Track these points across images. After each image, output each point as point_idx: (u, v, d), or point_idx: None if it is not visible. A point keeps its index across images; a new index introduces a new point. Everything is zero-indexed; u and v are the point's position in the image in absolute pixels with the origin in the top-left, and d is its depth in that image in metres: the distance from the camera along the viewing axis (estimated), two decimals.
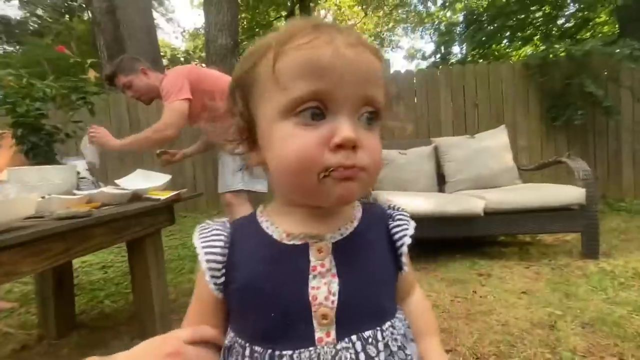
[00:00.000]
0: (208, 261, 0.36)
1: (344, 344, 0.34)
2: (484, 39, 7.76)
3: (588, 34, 7.62)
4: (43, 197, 1.13)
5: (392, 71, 4.25)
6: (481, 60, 9.09)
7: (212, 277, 0.36)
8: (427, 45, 17.87)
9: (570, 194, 2.01)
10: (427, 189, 2.58)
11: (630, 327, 1.23)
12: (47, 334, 1.44)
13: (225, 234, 0.38)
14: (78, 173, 1.43)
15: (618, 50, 3.42)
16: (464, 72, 4.08)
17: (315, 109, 0.31)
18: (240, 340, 0.36)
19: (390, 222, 0.41)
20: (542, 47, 3.93)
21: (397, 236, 0.40)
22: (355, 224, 0.39)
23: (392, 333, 0.37)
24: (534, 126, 3.97)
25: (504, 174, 2.54)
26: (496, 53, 8.68)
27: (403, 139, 3.31)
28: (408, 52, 12.82)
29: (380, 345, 0.35)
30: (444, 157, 2.68)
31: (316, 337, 0.34)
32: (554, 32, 7.58)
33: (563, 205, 2.02)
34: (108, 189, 1.39)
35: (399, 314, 0.40)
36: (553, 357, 1.10)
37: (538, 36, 7.82)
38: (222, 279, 0.36)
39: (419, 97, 4.14)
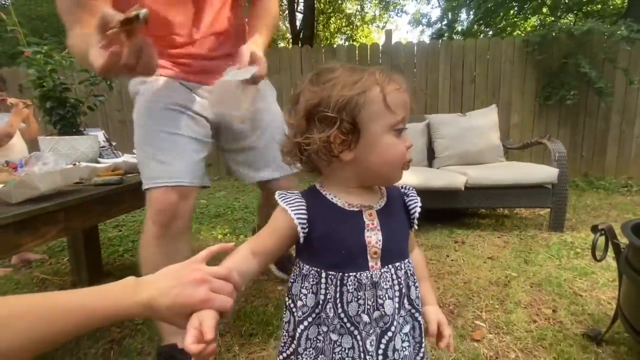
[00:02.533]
0: (298, 218, 0.53)
1: (385, 269, 0.55)
2: (492, 6, 7.53)
3: (599, 6, 7.41)
4: (74, 164, 1.31)
5: (393, 42, 4.25)
6: (487, 29, 8.88)
7: (302, 229, 0.53)
8: (433, 10, 17.16)
9: (544, 173, 2.21)
10: (417, 164, 2.76)
11: (570, 288, 1.48)
12: (79, 280, 1.68)
13: (303, 200, 0.55)
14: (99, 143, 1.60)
15: (619, 32, 3.44)
16: (465, 46, 4.10)
17: (403, 128, 0.54)
18: (316, 269, 0.55)
19: (405, 198, 0.62)
20: (549, 19, 3.93)
21: (410, 207, 0.61)
22: (385, 198, 0.60)
23: (408, 265, 0.59)
24: (527, 104, 4.07)
25: (489, 152, 2.71)
26: (504, 22, 8.46)
27: None
28: (414, 17, 12.34)
29: (403, 272, 0.57)
30: (435, 133, 2.83)
31: (370, 265, 0.54)
32: (564, 1, 7.36)
33: (537, 183, 2.22)
34: (129, 158, 1.57)
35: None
36: (501, 307, 1.35)
37: (547, 5, 7.60)
38: (307, 230, 0.54)
39: (418, 70, 4.19)
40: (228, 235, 2.36)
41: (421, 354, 0.60)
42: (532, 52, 3.90)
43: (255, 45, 0.97)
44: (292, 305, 0.58)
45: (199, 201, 3.32)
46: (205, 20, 1.01)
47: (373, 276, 0.54)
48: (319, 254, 0.56)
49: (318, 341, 0.55)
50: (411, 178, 2.23)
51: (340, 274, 0.54)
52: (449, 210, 2.55)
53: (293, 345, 0.57)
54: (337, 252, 0.54)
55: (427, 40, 9.85)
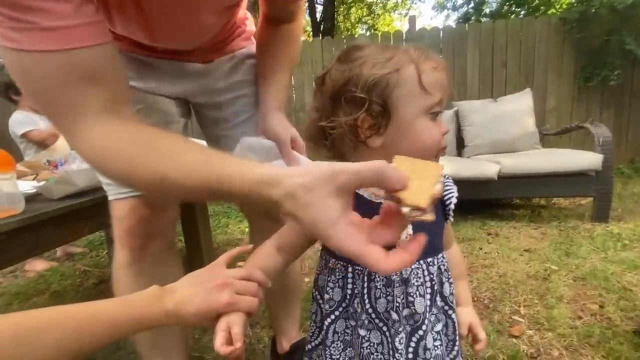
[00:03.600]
0: None
1: (415, 265, 0.51)
2: None
3: None
4: None
5: (417, 28, 4.10)
6: (518, 9, 8.36)
7: None
8: None
9: (587, 159, 2.06)
10: (446, 153, 2.66)
11: (619, 283, 1.37)
12: None
13: None
14: None
15: None
16: (494, 28, 3.88)
17: (439, 111, 0.49)
18: (341, 262, 0.52)
19: None
20: None
21: (446, 198, 0.55)
22: None
23: (442, 261, 0.54)
24: (565, 87, 3.81)
25: (524, 139, 2.56)
26: (537, 0, 7.93)
27: None
28: (438, 1, 11.85)
29: (435, 267, 0.53)
30: (464, 121, 2.71)
31: None
32: None
33: (578, 171, 2.07)
34: None
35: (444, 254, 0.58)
36: (540, 302, 1.27)
37: None
38: None
39: (444, 57, 4.01)
40: (250, 235, 2.39)
41: (455, 352, 0.56)
42: (569, 30, 3.62)
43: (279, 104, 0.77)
44: (319, 297, 0.56)
45: None
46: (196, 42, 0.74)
47: (403, 272, 0.50)
48: None
49: (346, 334, 0.54)
50: None
51: (367, 269, 0.50)
52: (481, 201, 2.44)
53: (321, 336, 0.55)
54: None
55: (453, 25, 9.45)
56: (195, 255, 1.57)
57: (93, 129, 0.45)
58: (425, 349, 0.51)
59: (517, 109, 2.62)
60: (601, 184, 2.05)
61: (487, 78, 3.95)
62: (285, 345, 0.98)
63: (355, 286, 0.52)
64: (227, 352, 0.41)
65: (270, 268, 0.51)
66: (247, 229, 2.38)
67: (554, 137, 2.78)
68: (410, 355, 0.51)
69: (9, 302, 1.54)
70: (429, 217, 0.33)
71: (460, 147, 2.75)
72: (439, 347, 0.53)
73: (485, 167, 2.14)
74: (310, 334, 0.58)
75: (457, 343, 0.56)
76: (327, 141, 0.52)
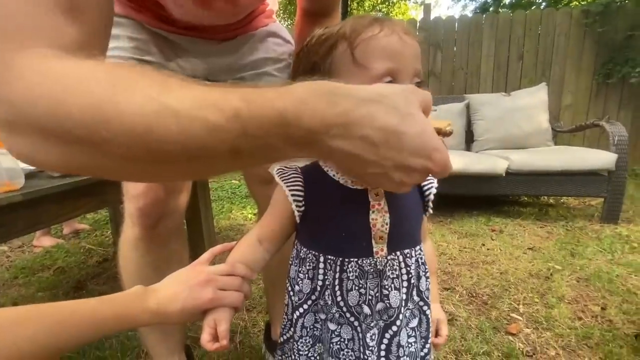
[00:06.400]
0: (293, 196, 0.48)
1: (392, 256, 0.48)
2: None
3: None
4: None
5: (432, 17, 3.98)
6: (539, 0, 8.05)
7: (297, 207, 0.48)
8: None
9: (600, 158, 1.99)
10: (454, 147, 2.61)
11: (623, 285, 1.34)
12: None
13: (301, 176, 0.49)
14: None
15: None
16: (513, 19, 3.74)
17: (389, 82, 0.41)
18: (314, 252, 0.50)
19: None
20: None
21: (425, 189, 0.53)
22: None
23: (420, 253, 0.52)
24: (583, 83, 3.68)
25: (535, 135, 2.50)
26: None
27: (438, 95, 3.26)
28: None
29: (413, 260, 0.51)
30: (474, 115, 2.65)
31: (374, 251, 0.47)
32: None
33: (590, 170, 2.01)
34: None
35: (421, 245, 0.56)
36: (541, 301, 1.25)
37: None
38: (303, 209, 0.49)
39: (459, 47, 3.91)
40: (258, 215, 2.40)
41: (426, 350, 0.54)
42: (592, 23, 3.47)
43: None
44: (289, 288, 0.54)
45: (231, 181, 3.40)
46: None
47: (377, 263, 0.48)
48: (317, 236, 0.50)
49: (315, 329, 0.52)
50: None
51: (340, 259, 0.48)
52: (487, 197, 2.41)
53: (291, 331, 0.54)
54: (337, 234, 0.48)
55: (469, 15, 9.15)
56: (196, 238, 1.58)
57: (50, 59, 0.30)
58: (399, 345, 0.49)
59: (531, 104, 2.55)
60: (613, 185, 1.99)
61: (502, 71, 3.84)
62: (279, 332, 0.99)
63: (326, 277, 0.49)
64: (213, 349, 0.42)
65: (253, 260, 0.51)
66: (250, 216, 2.39)
67: (567, 135, 2.71)
68: (383, 353, 0.49)
69: (15, 275, 1.59)
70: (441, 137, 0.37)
71: (469, 141, 2.70)
72: (413, 344, 0.51)
73: (494, 162, 2.09)
74: (282, 327, 0.56)
75: (429, 340, 0.54)
76: None
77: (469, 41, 3.85)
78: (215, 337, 0.43)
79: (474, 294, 1.30)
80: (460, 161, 2.11)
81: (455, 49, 3.92)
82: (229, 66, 0.78)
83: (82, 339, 0.38)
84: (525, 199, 2.59)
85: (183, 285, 0.44)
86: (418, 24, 4.01)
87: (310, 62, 0.46)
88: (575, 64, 3.67)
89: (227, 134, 0.29)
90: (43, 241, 1.96)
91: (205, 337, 0.43)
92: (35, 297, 1.39)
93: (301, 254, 0.52)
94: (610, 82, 3.52)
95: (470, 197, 2.34)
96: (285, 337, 0.55)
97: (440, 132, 0.37)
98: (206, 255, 0.51)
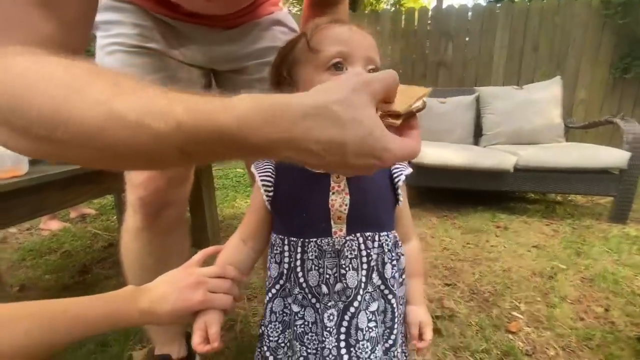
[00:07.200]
0: (262, 181, 0.51)
1: (350, 237, 0.49)
2: None
3: None
4: None
5: (444, 6, 3.87)
6: None
7: (265, 191, 0.51)
8: None
9: (612, 156, 1.94)
10: (462, 141, 2.57)
11: (629, 287, 1.32)
12: None
13: (272, 165, 0.52)
14: None
15: None
16: (529, 8, 3.61)
17: (339, 62, 0.45)
18: (280, 236, 0.52)
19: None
20: None
21: (395, 175, 0.53)
22: None
23: (386, 239, 0.52)
24: (599, 77, 3.56)
25: (546, 131, 2.44)
26: None
27: (447, 87, 3.19)
28: None
29: (376, 244, 0.51)
30: (484, 108, 2.59)
31: (333, 231, 0.49)
32: None
33: (601, 168, 1.97)
34: None
35: (394, 234, 0.54)
36: (543, 300, 1.24)
37: None
38: (272, 194, 0.51)
39: (470, 37, 3.80)
40: None
41: (391, 341, 0.53)
42: (612, 15, 3.34)
43: None
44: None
45: (236, 170, 3.41)
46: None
47: (335, 243, 0.49)
48: (282, 220, 0.52)
49: (285, 315, 0.52)
50: (454, 156, 2.08)
51: (302, 240, 0.49)
52: (493, 193, 2.37)
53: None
54: (299, 216, 0.50)
55: (483, 3, 8.85)
56: (200, 226, 1.60)
57: (16, 56, 0.31)
58: (358, 328, 0.49)
59: (544, 99, 2.48)
60: (625, 183, 1.95)
61: (515, 62, 3.73)
62: None
63: (290, 259, 0.50)
64: (204, 351, 0.43)
65: (240, 261, 0.52)
66: None
67: (580, 131, 2.64)
68: (343, 336, 0.49)
69: (23, 257, 1.62)
70: (396, 122, 0.35)
71: (477, 135, 2.65)
72: (373, 329, 0.50)
73: (502, 158, 2.05)
74: (262, 317, 0.57)
75: (394, 332, 0.53)
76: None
77: (481, 31, 3.74)
78: (206, 339, 0.44)
79: (476, 291, 1.30)
80: (467, 156, 2.08)
81: (467, 39, 3.82)
82: (232, 55, 0.76)
83: (74, 337, 0.39)
84: (532, 195, 2.55)
85: (173, 287, 0.44)
86: (430, 13, 3.90)
87: (277, 62, 0.52)
88: (591, 57, 3.55)
89: (173, 141, 0.30)
90: (50, 224, 1.99)
91: (196, 340, 0.44)
92: (42, 279, 1.42)
93: (272, 240, 0.53)
94: (628, 77, 3.40)
95: (476, 192, 2.31)
96: (262, 328, 0.56)
97: (410, 110, 0.36)
98: (197, 257, 0.51)
